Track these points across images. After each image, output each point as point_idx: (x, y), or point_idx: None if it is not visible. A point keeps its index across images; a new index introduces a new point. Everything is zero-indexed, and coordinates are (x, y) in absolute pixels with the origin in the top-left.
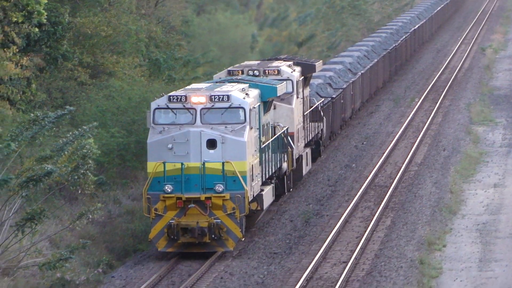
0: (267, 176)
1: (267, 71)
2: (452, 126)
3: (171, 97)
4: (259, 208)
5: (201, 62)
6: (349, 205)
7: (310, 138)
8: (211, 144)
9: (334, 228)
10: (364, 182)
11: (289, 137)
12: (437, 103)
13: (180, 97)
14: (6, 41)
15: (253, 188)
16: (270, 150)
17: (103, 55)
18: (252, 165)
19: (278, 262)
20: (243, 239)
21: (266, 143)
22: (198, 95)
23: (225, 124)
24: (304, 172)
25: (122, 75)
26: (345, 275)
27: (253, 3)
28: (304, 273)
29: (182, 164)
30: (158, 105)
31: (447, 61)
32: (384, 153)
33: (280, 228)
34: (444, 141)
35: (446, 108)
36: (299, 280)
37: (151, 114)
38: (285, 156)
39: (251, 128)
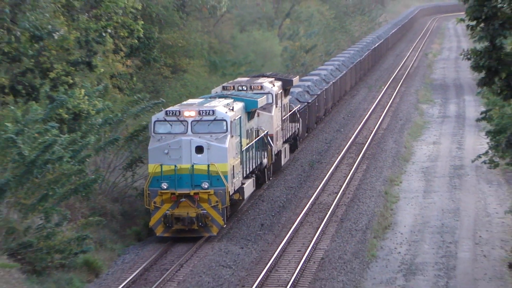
0: (248, 172)
1: (252, 86)
2: (406, 104)
3: (168, 112)
4: (241, 198)
5: (243, 63)
6: (339, 156)
7: (288, 136)
8: (199, 149)
9: (329, 171)
10: (349, 141)
11: (269, 138)
12: (396, 89)
13: (175, 111)
14: (116, 49)
15: (234, 183)
16: (253, 150)
17: (180, 58)
18: (233, 166)
19: (293, 192)
20: (224, 226)
21: (249, 144)
22: (189, 110)
23: (210, 133)
24: (282, 163)
25: (192, 71)
26: (336, 201)
27: (276, 24)
28: (310, 200)
29: (175, 166)
30: (158, 118)
31: (403, 62)
32: (361, 122)
33: (294, 171)
34: (400, 114)
35: (402, 93)
36: (306, 204)
37: (152, 126)
38: (265, 153)
39: (232, 136)
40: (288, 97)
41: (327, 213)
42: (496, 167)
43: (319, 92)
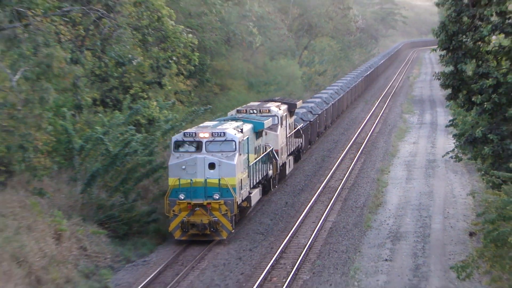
0: (255, 182)
1: (261, 110)
2: (393, 114)
3: (186, 134)
4: (248, 205)
5: (272, 83)
6: (343, 152)
7: (293, 149)
8: (212, 166)
9: (336, 163)
10: (351, 141)
11: (275, 153)
12: (386, 103)
13: (191, 133)
14: (179, 72)
15: (242, 194)
16: (259, 164)
17: (226, 79)
18: (241, 179)
19: (309, 179)
20: (233, 231)
21: (257, 159)
22: (204, 132)
23: (221, 152)
24: (287, 172)
25: (235, 89)
26: (341, 185)
27: (297, 54)
28: (322, 184)
29: (191, 180)
30: (177, 139)
31: (391, 83)
32: (360, 127)
33: (309, 163)
34: (389, 121)
35: (390, 106)
36: (319, 188)
37: (172, 145)
38: (271, 165)
39: (240, 154)
40: (293, 117)
41: (334, 194)
42: (460, 161)
43: (320, 112)
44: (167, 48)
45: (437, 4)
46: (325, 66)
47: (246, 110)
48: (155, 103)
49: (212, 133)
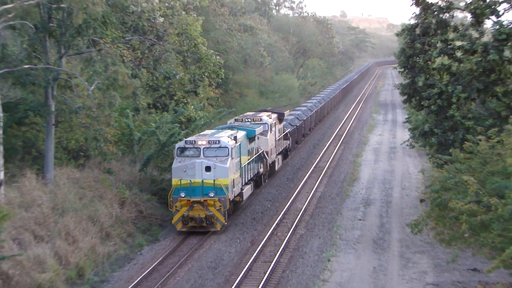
0: (248, 179)
1: (254, 119)
2: (365, 114)
3: (187, 141)
4: (241, 199)
5: (277, 91)
6: (328, 142)
7: (281, 150)
8: (208, 169)
9: (322, 151)
10: (333, 134)
11: (265, 154)
12: (359, 106)
13: (192, 141)
14: (210, 84)
15: (235, 191)
16: (252, 163)
17: (243, 89)
18: (233, 179)
19: (304, 162)
20: (226, 223)
21: (249, 160)
22: (202, 140)
23: (216, 157)
24: (276, 169)
25: (250, 96)
26: (327, 165)
27: (295, 71)
28: (313, 165)
29: (190, 180)
30: (180, 146)
31: (363, 92)
32: (341, 124)
33: (303, 152)
34: (362, 119)
35: (362, 108)
36: (311, 167)
37: (176, 151)
38: (262, 164)
39: (232, 158)
40: (283, 123)
41: (322, 172)
42: (413, 148)
43: (305, 118)
44: (201, 67)
45: (397, 35)
46: (316, 79)
47: (242, 119)
48: (191, 106)
49: (209, 141)
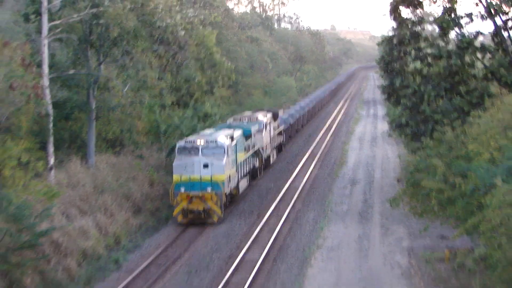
0: (244, 174)
1: (251, 118)
2: (351, 110)
3: (187, 141)
4: (237, 192)
5: (278, 92)
6: (320, 132)
7: (276, 145)
8: (205, 166)
9: (315, 140)
10: (325, 125)
11: (260, 149)
12: (346, 103)
13: (191, 140)
14: (223, 85)
15: (231, 186)
16: (248, 159)
17: (251, 89)
18: (229, 175)
19: (300, 149)
20: (222, 215)
21: (246, 155)
22: (200, 139)
23: (214, 155)
24: (271, 162)
25: (256, 95)
26: (320, 152)
27: (293, 74)
28: (308, 152)
29: (189, 176)
30: (180, 145)
31: (349, 91)
32: (331, 117)
33: (300, 141)
34: (349, 114)
35: (349, 105)
36: (306, 153)
37: (176, 149)
38: (257, 159)
39: (228, 156)
40: (278, 121)
41: (316, 157)
42: (391, 137)
43: (298, 116)
44: (215, 71)
45: (378, 44)
46: (310, 81)
47: (240, 118)
48: (208, 104)
49: (207, 140)
